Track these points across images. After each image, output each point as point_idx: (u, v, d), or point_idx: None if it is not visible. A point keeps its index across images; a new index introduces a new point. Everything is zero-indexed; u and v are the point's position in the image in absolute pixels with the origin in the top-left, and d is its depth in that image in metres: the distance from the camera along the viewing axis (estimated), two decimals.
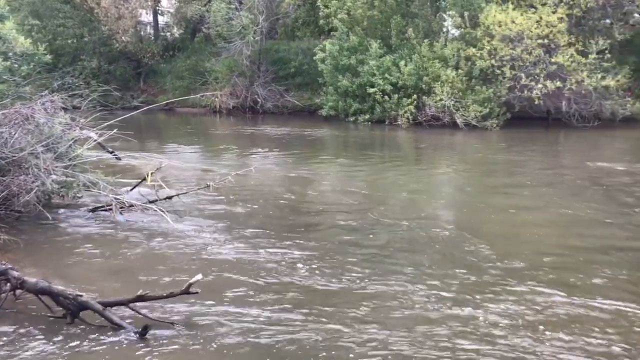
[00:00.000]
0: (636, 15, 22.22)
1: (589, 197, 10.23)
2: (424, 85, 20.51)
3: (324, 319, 5.26)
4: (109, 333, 5.05)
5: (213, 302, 5.61)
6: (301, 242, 7.48)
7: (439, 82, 20.16)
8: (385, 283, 6.07)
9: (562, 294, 5.78)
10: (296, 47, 27.19)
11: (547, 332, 5.01)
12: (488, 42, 19.83)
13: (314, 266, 6.55)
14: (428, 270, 6.45)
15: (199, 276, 5.19)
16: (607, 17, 20.68)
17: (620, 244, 7.51)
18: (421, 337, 4.93)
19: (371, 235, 7.84)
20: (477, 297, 5.72)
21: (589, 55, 19.22)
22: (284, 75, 26.35)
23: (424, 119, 20.66)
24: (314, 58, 22.88)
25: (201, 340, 4.91)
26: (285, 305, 5.57)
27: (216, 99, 25.83)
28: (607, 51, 19.62)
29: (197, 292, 5.25)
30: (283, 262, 6.72)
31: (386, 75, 20.87)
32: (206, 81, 26.87)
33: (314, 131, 20.23)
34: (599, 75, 19.14)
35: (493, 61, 19.71)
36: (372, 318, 5.29)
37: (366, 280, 6.16)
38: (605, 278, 6.18)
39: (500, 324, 5.15)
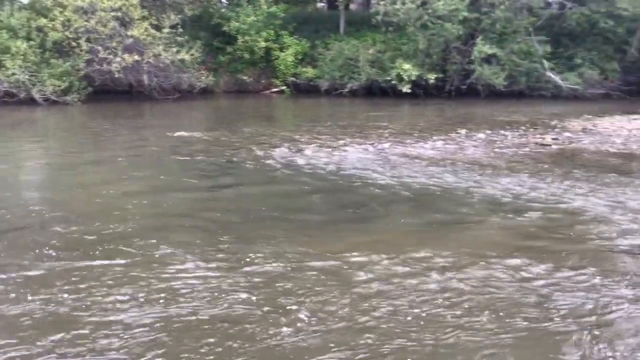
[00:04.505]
0: None
1: (170, 166, 10.80)
2: None
3: None
4: None
5: None
6: None
7: (10, 55, 18.43)
8: None
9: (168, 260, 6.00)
10: None
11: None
12: (60, 12, 18.95)
13: None
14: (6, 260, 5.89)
15: None
16: None
17: (197, 206, 8.14)
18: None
19: None
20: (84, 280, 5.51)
21: (163, 30, 20.15)
22: None
23: None
24: None
25: None
26: None
27: None
28: (179, 26, 20.90)
29: None
30: None
31: None
32: None
33: None
34: (175, 49, 20.26)
35: (68, 33, 18.94)
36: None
37: None
38: (184, 241, 6.60)
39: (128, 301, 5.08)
